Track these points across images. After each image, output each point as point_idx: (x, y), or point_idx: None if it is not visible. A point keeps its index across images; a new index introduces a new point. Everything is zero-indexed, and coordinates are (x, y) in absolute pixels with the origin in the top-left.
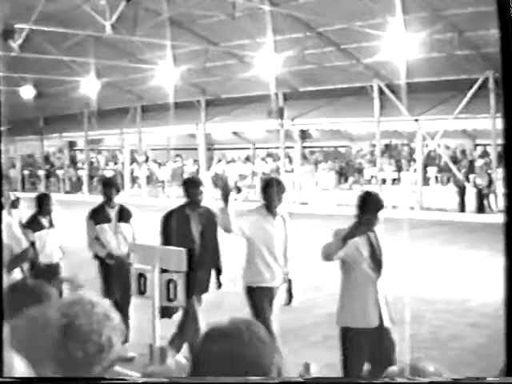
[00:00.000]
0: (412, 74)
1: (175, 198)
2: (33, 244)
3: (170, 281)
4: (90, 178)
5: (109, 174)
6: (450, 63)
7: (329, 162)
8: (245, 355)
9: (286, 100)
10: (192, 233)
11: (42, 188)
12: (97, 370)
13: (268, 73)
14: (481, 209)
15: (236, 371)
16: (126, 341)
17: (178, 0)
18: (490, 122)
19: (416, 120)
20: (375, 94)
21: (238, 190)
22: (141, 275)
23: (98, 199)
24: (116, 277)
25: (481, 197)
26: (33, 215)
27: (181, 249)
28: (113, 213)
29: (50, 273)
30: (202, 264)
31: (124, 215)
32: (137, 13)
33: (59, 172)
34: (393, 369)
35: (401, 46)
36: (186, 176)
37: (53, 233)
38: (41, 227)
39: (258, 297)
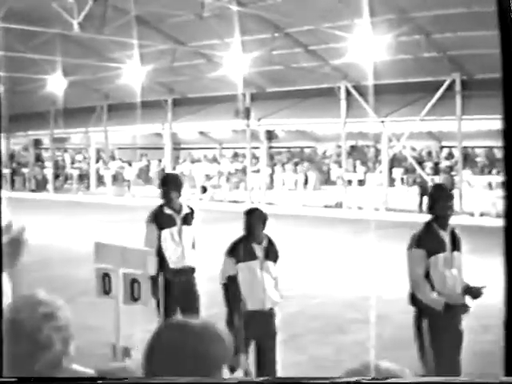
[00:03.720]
0: (379, 76)
1: (141, 197)
2: (233, 279)
3: (134, 281)
4: (56, 176)
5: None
6: (417, 65)
7: (296, 162)
8: (194, 347)
9: (253, 100)
10: None
11: (7, 187)
12: (39, 368)
13: (235, 73)
14: None
15: (184, 362)
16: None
17: None
18: (456, 124)
19: (382, 121)
20: (342, 95)
21: (204, 189)
22: (105, 275)
23: (63, 198)
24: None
25: None
26: (240, 239)
27: (145, 249)
28: (447, 237)
29: (260, 324)
30: None
31: (457, 241)
32: (105, 11)
33: (24, 170)
34: (354, 367)
35: (368, 47)
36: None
37: (270, 267)
38: (251, 257)
39: None
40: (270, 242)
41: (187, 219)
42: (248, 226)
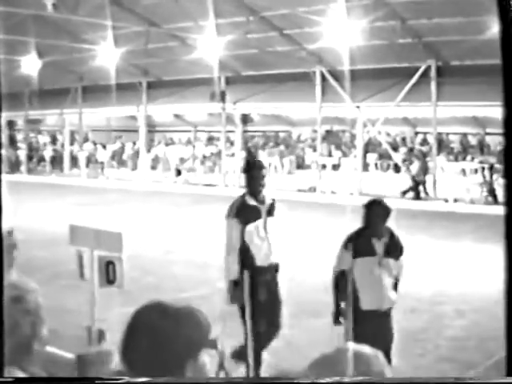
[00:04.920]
0: (354, 61)
1: (114, 179)
2: (345, 274)
3: (109, 263)
4: (29, 158)
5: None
6: (392, 51)
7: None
8: (172, 330)
9: (229, 84)
10: None
11: None
12: (7, 352)
13: (210, 56)
14: (417, 196)
15: (162, 344)
16: None
17: None
18: (431, 110)
19: (357, 106)
20: (317, 79)
21: (178, 172)
22: (81, 258)
23: (37, 180)
24: None
25: (416, 184)
26: (358, 232)
27: (118, 231)
28: None
29: (376, 325)
30: None
31: None
32: None
33: None
34: (330, 351)
35: (343, 32)
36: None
37: (390, 264)
38: (369, 253)
39: None
40: (393, 238)
41: (271, 210)
42: (368, 219)
